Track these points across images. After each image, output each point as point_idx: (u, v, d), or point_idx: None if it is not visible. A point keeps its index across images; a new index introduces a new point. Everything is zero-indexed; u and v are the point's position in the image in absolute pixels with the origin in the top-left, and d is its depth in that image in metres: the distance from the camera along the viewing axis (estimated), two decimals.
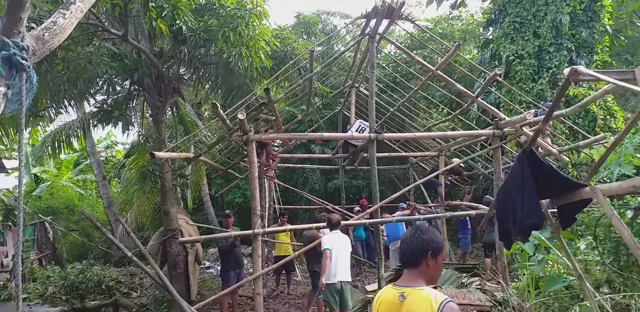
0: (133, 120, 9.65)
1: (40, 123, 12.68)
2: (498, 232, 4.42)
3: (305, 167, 13.93)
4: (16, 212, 2.68)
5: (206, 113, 15.73)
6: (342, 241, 6.42)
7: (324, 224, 7.38)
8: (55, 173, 15.37)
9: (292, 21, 16.51)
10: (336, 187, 14.31)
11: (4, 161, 14.21)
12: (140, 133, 9.97)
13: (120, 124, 9.18)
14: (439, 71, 8.25)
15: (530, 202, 3.41)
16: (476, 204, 9.29)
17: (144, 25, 7.55)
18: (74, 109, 12.35)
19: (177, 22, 6.61)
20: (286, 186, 12.16)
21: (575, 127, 9.85)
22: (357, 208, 11.23)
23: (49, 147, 12.61)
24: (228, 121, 7.71)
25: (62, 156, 15.57)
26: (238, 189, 15.30)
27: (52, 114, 9.99)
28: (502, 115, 8.05)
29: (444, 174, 10.32)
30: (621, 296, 5.38)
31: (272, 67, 9.88)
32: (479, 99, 8.18)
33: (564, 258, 5.75)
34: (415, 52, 14.29)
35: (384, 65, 14.77)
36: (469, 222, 11.37)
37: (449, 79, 8.39)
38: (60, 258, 12.52)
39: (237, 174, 12.38)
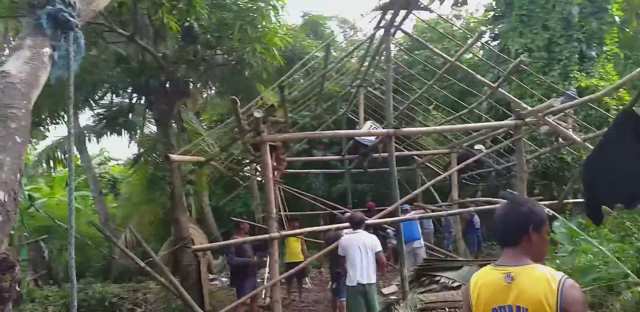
0: (137, 127, 9.28)
1: (34, 139, 12.20)
2: (586, 207, 4.08)
3: (308, 173, 13.58)
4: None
5: (203, 124, 15.34)
6: (362, 240, 6.07)
7: (345, 224, 7.09)
8: (48, 191, 14.80)
9: (298, 21, 16.18)
10: (340, 192, 14.00)
11: None
12: (146, 138, 9.57)
13: (123, 132, 8.88)
14: (457, 62, 8.09)
15: None
16: (496, 199, 9.01)
17: (152, 24, 7.20)
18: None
19: (188, 19, 6.33)
20: (292, 190, 11.80)
21: (583, 122, 9.79)
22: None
23: (43, 164, 12.15)
24: (242, 122, 7.41)
25: (53, 174, 15.04)
26: (239, 199, 14.88)
27: (46, 128, 9.62)
28: (524, 105, 7.86)
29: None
30: None
31: (280, 68, 9.65)
32: (500, 89, 7.99)
33: (600, 247, 5.52)
34: (416, 52, 14.16)
35: (383, 67, 14.59)
36: (477, 221, 11.15)
37: (468, 69, 8.26)
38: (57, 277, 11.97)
39: (240, 182, 11.98)
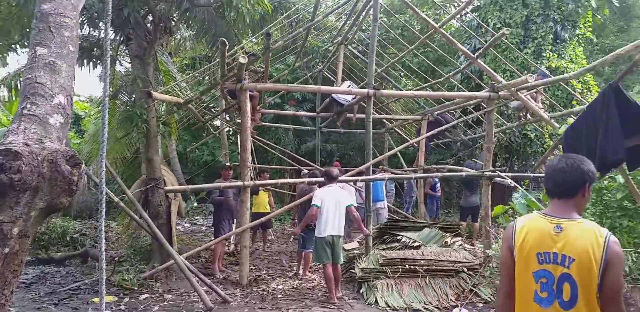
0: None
1: None
2: None
3: (279, 127, 13.58)
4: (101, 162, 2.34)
5: (175, 67, 14.88)
6: (337, 194, 6.33)
7: (318, 179, 7.29)
8: (7, 121, 14.09)
9: None
10: (308, 150, 14.12)
11: None
12: (124, 74, 9.24)
13: (98, 65, 8.54)
14: (441, 29, 8.18)
15: (614, 137, 3.44)
16: (460, 168, 9.45)
17: None
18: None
19: None
20: (262, 143, 11.84)
21: (552, 100, 10.23)
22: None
23: (4, 94, 11.50)
24: (225, 67, 7.32)
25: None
26: (206, 147, 14.77)
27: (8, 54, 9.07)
28: (500, 79, 8.11)
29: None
30: None
31: (263, 16, 9.44)
32: (478, 60, 8.18)
33: None
34: (396, 16, 14.08)
35: (363, 28, 14.49)
36: (438, 189, 11.67)
37: (451, 37, 8.32)
38: None
39: (210, 129, 11.87)
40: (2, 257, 1.99)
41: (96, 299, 5.95)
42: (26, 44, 8.73)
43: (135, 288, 6.37)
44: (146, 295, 6.18)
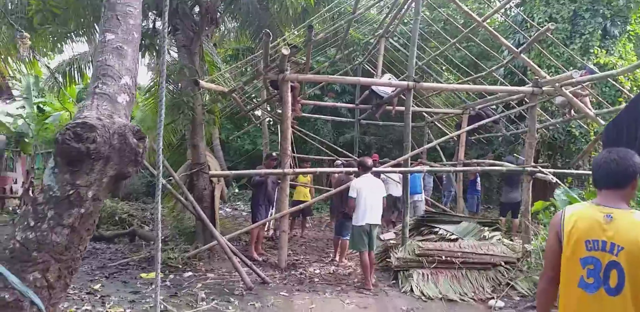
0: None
1: (50, 53, 12.18)
2: None
3: (319, 118, 13.75)
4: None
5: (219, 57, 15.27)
6: (372, 184, 6.46)
7: (354, 169, 7.42)
8: (59, 106, 14.86)
9: None
10: (346, 141, 14.25)
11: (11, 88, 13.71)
12: (173, 63, 9.62)
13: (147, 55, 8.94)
14: (485, 24, 8.12)
15: None
16: (501, 162, 9.36)
17: None
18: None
19: None
20: (301, 134, 12.05)
21: (599, 97, 9.95)
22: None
23: (59, 79, 12.15)
24: (268, 58, 7.53)
25: (63, 90, 15.06)
26: (248, 136, 15.15)
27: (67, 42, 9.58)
28: (543, 74, 8.00)
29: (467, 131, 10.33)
30: None
31: (305, 9, 9.61)
32: (522, 55, 8.08)
33: None
34: (439, 9, 13.96)
35: (405, 21, 14.44)
36: (478, 183, 11.56)
37: (494, 32, 8.25)
38: None
39: (253, 119, 12.16)
40: (79, 217, 2.24)
41: (144, 275, 6.32)
42: (81, 33, 9.25)
43: (180, 266, 6.70)
44: (190, 273, 6.49)
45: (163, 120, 2.95)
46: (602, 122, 7.97)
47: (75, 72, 11.93)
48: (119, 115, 2.63)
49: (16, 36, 7.07)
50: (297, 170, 8.09)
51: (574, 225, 2.16)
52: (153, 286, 5.75)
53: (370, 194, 6.33)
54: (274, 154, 8.32)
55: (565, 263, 2.18)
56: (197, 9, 8.48)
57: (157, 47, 8.88)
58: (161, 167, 3.08)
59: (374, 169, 7.85)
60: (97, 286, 5.78)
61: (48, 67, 12.20)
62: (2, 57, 9.45)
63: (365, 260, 6.23)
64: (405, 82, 7.92)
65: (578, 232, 2.14)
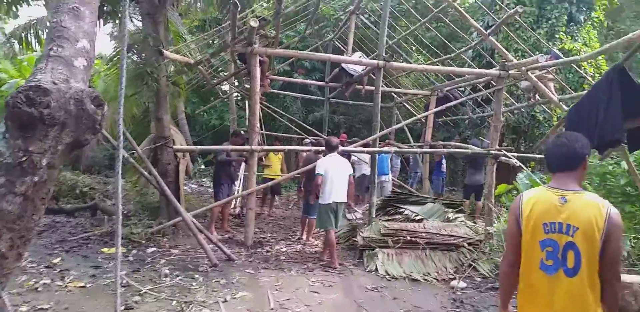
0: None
1: (4, 17, 11.48)
2: None
3: (288, 95, 13.57)
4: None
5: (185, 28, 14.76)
6: (338, 163, 6.46)
7: (322, 148, 7.38)
8: (16, 73, 14.09)
9: None
10: (316, 120, 14.15)
11: None
12: (136, 32, 9.21)
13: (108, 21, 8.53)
14: (455, 4, 8.09)
15: (614, 118, 3.52)
16: (467, 145, 9.51)
17: None
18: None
19: None
20: (270, 110, 11.88)
21: (563, 83, 10.17)
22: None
23: (15, 45, 11.52)
24: (236, 30, 7.30)
25: (20, 57, 14.28)
26: (214, 111, 14.83)
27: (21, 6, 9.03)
28: (511, 57, 8.08)
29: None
30: None
31: None
32: (490, 37, 8.11)
33: None
34: None
35: None
36: (444, 165, 11.76)
37: (464, 12, 8.25)
38: None
39: (219, 94, 11.90)
40: (32, 185, 2.12)
41: (105, 249, 6.16)
42: None
43: (143, 242, 6.55)
44: (153, 249, 6.36)
45: (124, 89, 2.80)
46: (565, 107, 8.14)
47: (32, 37, 11.34)
48: (76, 80, 2.47)
49: None
50: (266, 147, 7.97)
51: (531, 209, 2.23)
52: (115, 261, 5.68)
53: (336, 173, 6.33)
54: (240, 131, 8.15)
55: (525, 246, 2.25)
56: None
57: (119, 14, 8.49)
58: (122, 138, 2.95)
59: (343, 148, 7.89)
60: (56, 260, 5.60)
61: (2, 32, 11.55)
62: None
63: (331, 238, 6.27)
64: (375, 61, 7.82)
65: (535, 215, 2.21)
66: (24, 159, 2.11)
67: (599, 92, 4.01)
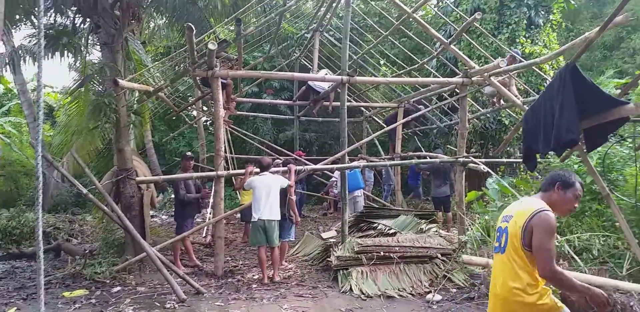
0: (81, 50, 8.70)
1: None
2: (523, 154, 4.56)
3: (257, 116, 13.44)
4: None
5: (149, 56, 14.61)
6: (266, 181, 6.53)
7: (281, 168, 7.26)
8: None
9: None
10: (287, 139, 14.02)
11: None
12: (92, 62, 9.02)
13: (66, 55, 8.36)
14: (415, 15, 8.12)
15: (570, 118, 3.45)
16: (435, 154, 9.47)
17: None
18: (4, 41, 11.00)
19: None
20: (240, 133, 11.71)
21: (526, 86, 10.27)
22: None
23: None
24: (195, 54, 7.17)
25: None
26: (182, 138, 14.58)
27: None
28: (472, 64, 8.10)
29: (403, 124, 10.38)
30: (579, 238, 5.79)
31: (236, 2, 9.31)
32: (452, 46, 8.14)
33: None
34: (372, 3, 13.99)
35: (340, 15, 14.37)
36: (393, 176, 11.69)
37: (425, 23, 8.27)
38: None
39: (186, 119, 11.70)
40: None
41: (66, 293, 5.85)
42: None
43: (108, 281, 6.27)
44: (119, 288, 6.07)
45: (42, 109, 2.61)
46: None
47: None
48: None
49: None
50: (232, 171, 7.78)
51: (505, 209, 2.90)
52: (77, 306, 5.38)
53: (265, 190, 6.42)
54: (187, 154, 7.94)
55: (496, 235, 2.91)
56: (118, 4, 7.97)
57: (75, 46, 8.31)
58: (40, 163, 2.75)
59: (313, 167, 7.75)
60: (11, 310, 5.28)
61: None
62: None
63: (261, 255, 6.42)
64: (339, 77, 7.77)
65: (504, 212, 2.88)
66: None
67: (552, 92, 3.94)
